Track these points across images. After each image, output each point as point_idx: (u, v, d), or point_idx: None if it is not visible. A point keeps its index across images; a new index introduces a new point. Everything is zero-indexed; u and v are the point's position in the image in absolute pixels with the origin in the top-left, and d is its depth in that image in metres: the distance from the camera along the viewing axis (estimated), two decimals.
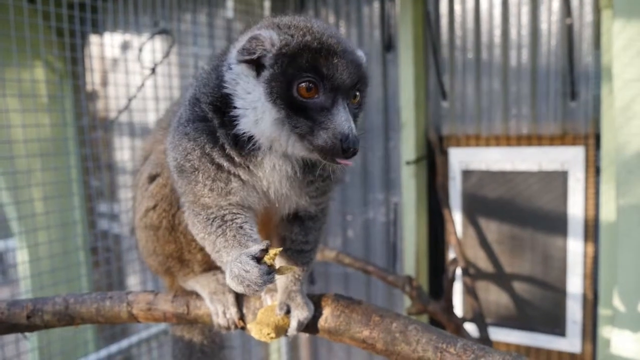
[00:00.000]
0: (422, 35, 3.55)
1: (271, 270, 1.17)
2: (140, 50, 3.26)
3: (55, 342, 3.19)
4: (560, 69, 3.25)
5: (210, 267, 1.53)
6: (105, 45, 4.08)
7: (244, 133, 1.21)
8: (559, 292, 3.33)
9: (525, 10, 3.31)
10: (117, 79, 3.78)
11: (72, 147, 4.08)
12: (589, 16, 3.14)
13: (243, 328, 1.51)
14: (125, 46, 3.99)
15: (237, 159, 1.26)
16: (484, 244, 3.52)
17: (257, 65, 1.17)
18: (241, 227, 1.32)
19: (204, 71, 1.35)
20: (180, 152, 1.30)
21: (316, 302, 1.48)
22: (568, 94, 3.22)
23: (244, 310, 1.51)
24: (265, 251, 1.18)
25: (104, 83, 4.13)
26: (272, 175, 1.29)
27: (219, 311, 1.49)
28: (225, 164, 1.27)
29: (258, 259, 1.16)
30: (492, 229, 3.50)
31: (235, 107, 1.21)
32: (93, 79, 4.22)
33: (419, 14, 3.49)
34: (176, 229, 1.46)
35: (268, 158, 1.26)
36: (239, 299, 1.51)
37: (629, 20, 2.35)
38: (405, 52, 3.49)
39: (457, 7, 3.49)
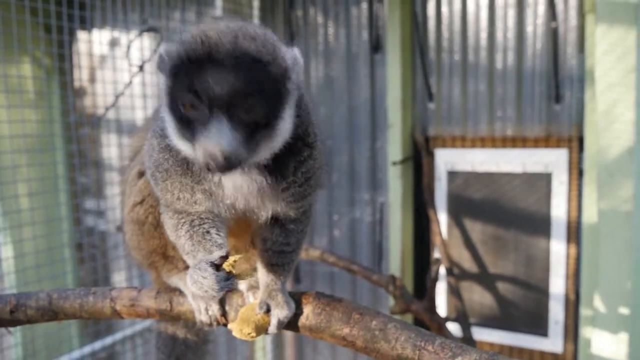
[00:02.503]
0: (410, 37, 3.57)
1: (230, 276, 1.20)
2: (128, 47, 3.26)
3: (39, 338, 3.19)
4: (545, 72, 3.29)
5: None
6: (93, 42, 4.07)
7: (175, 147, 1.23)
8: (542, 293, 3.37)
9: (512, 13, 3.35)
10: (105, 76, 3.78)
11: (59, 143, 4.07)
12: (573, 20, 3.19)
13: (226, 325, 1.52)
14: (113, 43, 3.98)
15: (194, 174, 1.28)
16: (469, 244, 3.55)
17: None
18: (207, 232, 1.35)
19: None
20: (153, 162, 1.33)
21: (298, 300, 1.50)
22: (552, 97, 3.27)
23: (227, 308, 1.51)
24: (225, 258, 1.21)
25: (92, 80, 4.11)
26: (235, 191, 1.29)
27: (201, 308, 1.49)
28: (187, 180, 1.29)
29: (217, 266, 1.20)
30: (476, 229, 3.53)
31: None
32: (81, 76, 4.21)
33: (406, 15, 3.52)
34: (161, 225, 1.47)
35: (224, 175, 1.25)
36: (222, 297, 1.52)
37: (611, 25, 2.39)
38: (393, 53, 3.52)
39: (445, 9, 3.52)
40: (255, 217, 1.38)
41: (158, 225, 1.48)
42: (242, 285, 1.59)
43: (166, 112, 1.16)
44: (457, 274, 3.56)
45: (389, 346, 1.41)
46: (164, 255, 1.53)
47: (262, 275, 1.51)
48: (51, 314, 1.54)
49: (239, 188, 1.28)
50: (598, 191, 2.62)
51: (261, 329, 1.43)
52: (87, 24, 3.88)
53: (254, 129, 1.10)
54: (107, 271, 4.29)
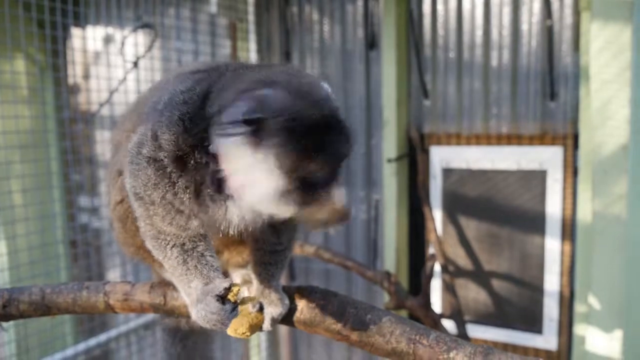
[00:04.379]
0: (405, 34, 3.57)
1: (235, 306, 1.25)
2: (123, 43, 3.24)
3: (33, 334, 3.17)
4: (540, 70, 3.29)
5: None
6: (87, 39, 4.05)
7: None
8: (536, 290, 3.38)
9: (507, 10, 3.35)
10: (99, 72, 3.76)
11: (53, 139, 4.04)
12: (569, 18, 3.19)
13: None
14: (107, 39, 3.97)
15: (197, 207, 1.25)
16: (464, 241, 3.56)
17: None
18: (202, 256, 1.33)
19: (174, 105, 1.23)
20: (140, 183, 1.26)
21: (292, 295, 1.50)
22: (547, 95, 3.27)
23: None
24: (228, 289, 1.24)
25: (86, 76, 4.09)
26: (235, 217, 1.25)
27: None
28: (186, 210, 1.26)
29: (222, 298, 1.22)
30: (471, 227, 3.54)
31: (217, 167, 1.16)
32: (75, 72, 4.19)
33: (402, 13, 3.52)
34: (139, 221, 1.45)
35: (233, 204, 1.23)
36: None
37: (606, 22, 2.39)
38: (388, 51, 3.51)
39: (440, 7, 3.52)
40: (249, 229, 1.35)
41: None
42: (237, 279, 1.59)
43: (261, 175, 1.09)
44: (452, 271, 3.56)
45: (384, 340, 1.41)
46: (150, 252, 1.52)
47: (255, 273, 1.51)
48: (44, 308, 1.54)
49: (241, 212, 1.24)
50: (592, 188, 2.62)
51: (255, 327, 1.43)
52: (81, 20, 3.86)
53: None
54: (101, 268, 4.27)
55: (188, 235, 1.31)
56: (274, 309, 1.43)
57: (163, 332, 1.85)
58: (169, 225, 1.28)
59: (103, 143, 4.06)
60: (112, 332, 3.37)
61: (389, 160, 3.54)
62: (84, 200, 4.38)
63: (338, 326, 1.45)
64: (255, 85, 1.13)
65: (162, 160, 1.21)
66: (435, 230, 3.45)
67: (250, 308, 1.44)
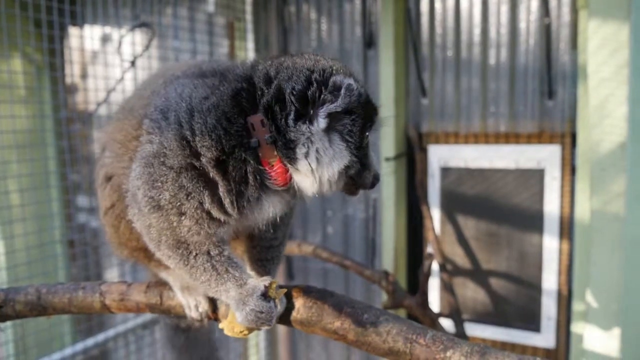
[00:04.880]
0: (403, 33, 3.57)
1: (275, 302, 1.32)
2: (120, 42, 3.24)
3: (30, 334, 3.16)
4: (538, 68, 3.29)
5: None
6: (84, 38, 4.04)
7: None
8: (534, 289, 3.37)
9: (505, 9, 3.34)
10: (97, 72, 3.75)
11: (50, 139, 4.03)
12: (566, 16, 3.19)
13: (217, 319, 1.51)
14: (105, 39, 3.96)
15: (236, 210, 1.25)
16: (462, 240, 3.55)
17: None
18: (229, 259, 1.33)
19: (211, 113, 1.22)
20: (166, 195, 1.23)
21: (289, 294, 1.49)
22: (545, 93, 3.27)
23: (217, 303, 1.51)
24: (268, 286, 1.30)
25: (83, 75, 4.08)
26: (268, 212, 1.31)
27: (190, 305, 1.48)
28: (222, 217, 1.26)
29: (265, 296, 1.28)
30: (469, 225, 3.53)
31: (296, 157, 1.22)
32: (72, 72, 4.18)
33: (400, 11, 3.51)
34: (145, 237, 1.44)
35: (267, 199, 1.29)
36: None
37: (604, 19, 2.39)
38: (386, 49, 3.51)
39: (438, 6, 3.51)
40: (259, 225, 1.37)
41: (133, 228, 1.43)
42: None
43: (339, 141, 1.22)
44: (450, 270, 3.56)
45: (381, 339, 1.40)
46: (146, 254, 1.51)
47: (252, 271, 1.51)
48: (40, 308, 1.53)
49: (273, 207, 1.30)
50: (590, 186, 2.62)
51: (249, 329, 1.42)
52: (78, 19, 3.85)
53: None
54: (99, 268, 4.26)
55: (212, 242, 1.30)
56: None
57: (165, 325, 1.85)
58: (195, 235, 1.27)
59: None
60: (110, 332, 3.36)
61: (387, 159, 3.53)
62: (81, 200, 4.37)
63: (335, 325, 1.44)
64: (327, 71, 1.22)
65: (198, 168, 1.21)
66: (433, 229, 3.45)
67: None
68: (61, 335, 3.54)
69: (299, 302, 1.47)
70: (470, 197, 3.51)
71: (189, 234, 1.27)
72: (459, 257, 3.57)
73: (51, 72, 3.87)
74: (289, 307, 1.47)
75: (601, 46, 2.42)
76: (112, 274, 4.19)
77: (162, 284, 1.55)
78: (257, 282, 1.29)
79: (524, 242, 3.39)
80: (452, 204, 3.56)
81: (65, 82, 4.09)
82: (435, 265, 3.44)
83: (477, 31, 3.42)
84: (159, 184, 1.23)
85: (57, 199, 3.93)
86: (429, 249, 3.49)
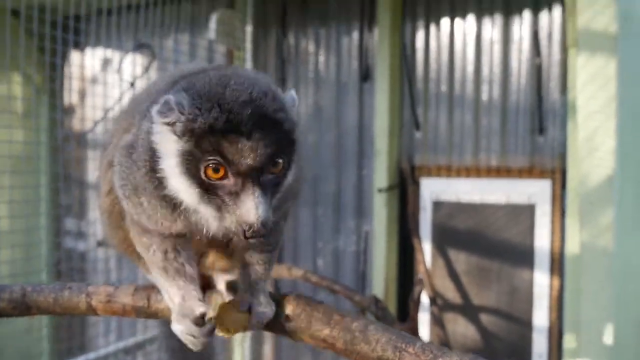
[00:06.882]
0: (399, 67, 3.65)
1: (213, 327, 1.30)
2: (121, 62, 3.29)
3: (8, 355, 3.08)
4: (529, 105, 3.36)
5: None
6: (85, 64, 4.10)
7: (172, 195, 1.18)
8: (525, 325, 3.35)
9: (497, 48, 3.44)
10: (96, 91, 3.79)
11: (44, 165, 4.04)
12: (557, 55, 3.28)
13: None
14: (106, 62, 4.02)
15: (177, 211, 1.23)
16: (453, 274, 3.54)
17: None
18: (182, 266, 1.35)
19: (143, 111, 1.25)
20: (127, 185, 1.27)
21: (278, 300, 1.48)
22: (536, 129, 3.33)
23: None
24: (203, 317, 1.30)
25: (82, 99, 4.13)
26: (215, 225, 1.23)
27: None
28: (168, 211, 1.24)
29: (198, 321, 1.29)
30: (460, 260, 3.53)
31: (161, 167, 1.16)
32: (71, 97, 4.22)
33: (396, 46, 3.60)
34: (126, 217, 1.45)
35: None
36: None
37: (592, 54, 2.47)
38: (382, 83, 3.59)
39: (433, 43, 3.61)
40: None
41: (124, 218, 1.45)
42: (221, 285, 1.57)
43: (176, 172, 1.11)
44: (440, 305, 3.53)
45: (370, 348, 1.38)
46: (134, 248, 1.50)
47: (244, 275, 1.49)
48: (24, 307, 1.50)
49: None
50: (579, 219, 2.64)
51: (240, 327, 1.41)
52: (80, 46, 3.93)
53: (274, 186, 1.13)
54: None
55: (171, 240, 1.31)
56: (262, 309, 1.41)
57: (162, 325, 1.82)
58: (155, 224, 1.28)
59: (95, 162, 4.06)
60: (91, 356, 3.28)
61: (380, 190, 3.55)
62: (70, 223, 4.33)
63: (324, 333, 1.42)
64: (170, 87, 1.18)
65: (142, 167, 1.22)
66: (424, 262, 3.44)
67: (239, 307, 1.42)
68: (40, 354, 3.44)
69: (287, 309, 1.46)
70: (462, 231, 3.52)
71: (150, 223, 1.29)
72: (450, 292, 3.55)
73: (50, 98, 3.91)
74: (278, 312, 1.46)
75: (590, 80, 2.49)
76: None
77: (151, 288, 1.53)
78: (196, 308, 1.30)
79: (514, 278, 3.38)
80: (444, 238, 3.56)
81: (63, 105, 4.12)
82: (425, 299, 3.42)
83: (470, 68, 3.51)
84: (123, 173, 1.27)
85: (46, 226, 3.92)
86: (420, 275, 3.47)
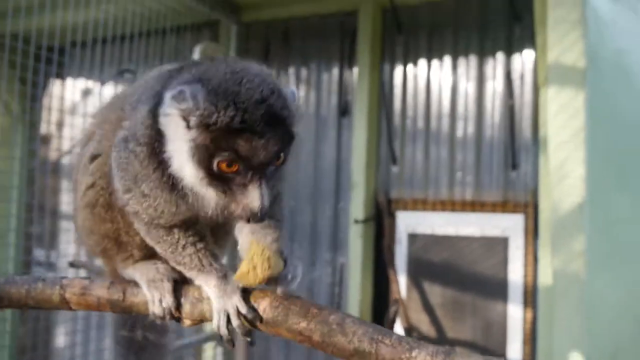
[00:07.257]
0: (377, 103, 3.76)
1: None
2: (102, 89, 3.32)
3: None
4: (502, 142, 3.48)
5: (151, 254, 1.51)
6: (65, 97, 4.10)
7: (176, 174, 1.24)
8: (500, 358, 3.33)
9: (472, 86, 3.58)
10: (74, 121, 3.80)
11: (16, 194, 3.99)
12: (528, 95, 3.43)
13: (179, 319, 1.47)
14: (87, 92, 4.05)
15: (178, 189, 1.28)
16: (427, 307, 3.53)
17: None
18: (205, 248, 1.40)
19: (140, 105, 1.31)
20: (127, 176, 1.31)
21: (255, 295, 1.47)
22: (509, 165, 3.43)
23: (182, 300, 1.47)
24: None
25: (60, 126, 4.12)
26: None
27: (155, 299, 1.44)
28: (171, 195, 1.29)
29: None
30: (435, 292, 3.54)
31: (165, 150, 1.22)
32: (49, 129, 4.21)
33: (374, 83, 3.73)
34: (113, 207, 1.44)
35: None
36: (177, 289, 1.48)
37: (562, 87, 2.59)
38: (360, 118, 3.68)
39: (410, 80, 3.74)
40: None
41: (110, 208, 1.45)
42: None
43: (184, 158, 1.17)
44: (415, 337, 3.50)
45: (346, 340, 1.38)
46: (117, 241, 1.49)
47: (256, 242, 1.45)
48: None
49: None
50: (551, 247, 2.69)
51: (269, 269, 1.40)
52: (63, 76, 3.96)
53: (274, 173, 1.22)
54: (48, 333, 4.04)
55: (179, 221, 1.34)
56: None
57: (115, 317, 1.77)
58: (161, 214, 1.32)
59: (69, 191, 4.02)
60: None
61: (356, 221, 3.58)
62: (40, 253, 4.23)
63: (300, 326, 1.42)
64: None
65: (141, 153, 1.27)
66: (399, 293, 3.44)
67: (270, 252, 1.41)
68: None
69: (265, 302, 1.45)
70: (437, 263, 3.54)
71: (156, 213, 1.31)
72: (424, 324, 3.53)
73: (28, 128, 3.90)
74: (255, 306, 1.45)
75: (559, 111, 2.60)
76: (62, 340, 4.02)
77: (126, 282, 1.52)
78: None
79: (488, 311, 3.39)
80: (419, 270, 3.58)
81: (40, 134, 4.10)
82: (400, 329, 3.39)
83: (446, 105, 3.63)
84: (124, 164, 1.31)
85: (14, 258, 3.85)
86: (395, 296, 3.44)
